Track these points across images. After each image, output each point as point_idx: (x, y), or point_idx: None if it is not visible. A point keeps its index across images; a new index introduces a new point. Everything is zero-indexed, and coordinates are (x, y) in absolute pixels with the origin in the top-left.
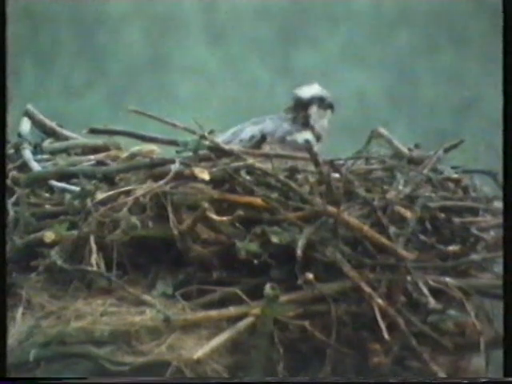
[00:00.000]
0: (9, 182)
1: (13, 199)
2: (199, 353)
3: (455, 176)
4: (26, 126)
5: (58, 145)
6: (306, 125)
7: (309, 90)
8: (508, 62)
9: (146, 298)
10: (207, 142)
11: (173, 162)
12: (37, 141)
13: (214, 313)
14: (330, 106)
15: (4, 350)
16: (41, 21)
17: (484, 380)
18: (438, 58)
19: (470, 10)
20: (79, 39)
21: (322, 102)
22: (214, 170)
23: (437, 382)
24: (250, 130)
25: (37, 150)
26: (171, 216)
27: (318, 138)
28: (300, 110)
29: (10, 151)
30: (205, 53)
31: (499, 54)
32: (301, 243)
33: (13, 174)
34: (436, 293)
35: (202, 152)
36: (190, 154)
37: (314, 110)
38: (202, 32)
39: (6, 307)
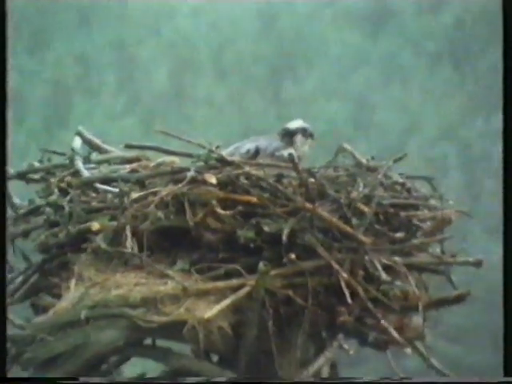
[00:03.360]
0: (64, 185)
1: (68, 198)
2: (209, 313)
3: (401, 180)
4: (77, 142)
5: (101, 157)
6: (290, 144)
7: (295, 123)
8: (508, 64)
9: (169, 272)
10: (215, 155)
11: (188, 170)
12: (86, 154)
13: (220, 283)
14: (311, 135)
15: (4, 349)
16: (90, 65)
17: (483, 380)
18: (389, 91)
19: (413, 52)
20: (119, 77)
21: (304, 132)
22: (220, 175)
23: (437, 382)
24: (247, 146)
25: (86, 160)
26: (188, 211)
27: (300, 159)
28: (288, 136)
29: (66, 161)
30: (214, 87)
31: (437, 87)
32: (286, 231)
33: (67, 179)
34: (386, 268)
35: (210, 162)
36: (202, 163)
37: (298, 138)
38: (212, 71)
39: (5, 307)
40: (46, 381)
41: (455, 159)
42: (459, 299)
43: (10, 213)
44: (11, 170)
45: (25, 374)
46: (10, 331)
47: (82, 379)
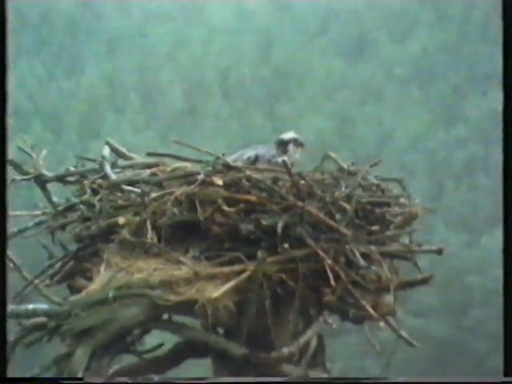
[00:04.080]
0: (95, 186)
1: (98, 197)
2: (216, 294)
3: (376, 182)
4: (106, 151)
5: (126, 163)
6: (284, 152)
7: (288, 135)
8: (508, 63)
9: (182, 259)
10: (221, 161)
11: (199, 173)
12: (113, 160)
13: (225, 269)
14: (301, 145)
15: (4, 350)
16: (117, 87)
17: (484, 380)
18: (366, 108)
19: (385, 76)
20: (141, 97)
21: (296, 142)
22: (225, 178)
23: (437, 382)
24: (248, 154)
25: (113, 166)
26: (198, 208)
27: (292, 164)
28: (282, 145)
29: (97, 167)
30: (220, 105)
31: (406, 105)
32: (280, 225)
33: (98, 181)
34: (364, 256)
35: (217, 167)
36: (210, 168)
37: (291, 147)
38: (218, 92)
39: (5, 308)
40: (48, 380)
41: (421, 165)
42: (424, 281)
43: (50, 209)
44: (49, 173)
45: (60, 347)
46: (50, 307)
47: (85, 379)
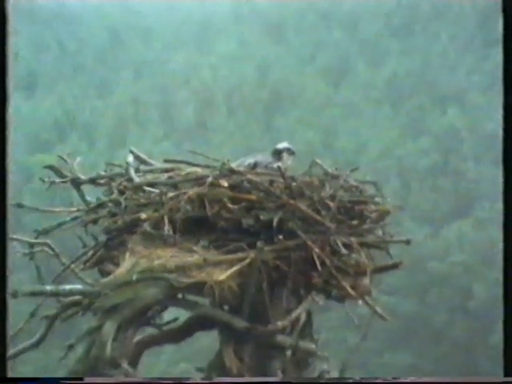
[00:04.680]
0: (121, 187)
1: (124, 196)
2: (222, 277)
3: (355, 184)
4: (131, 158)
5: (147, 168)
6: (279, 159)
7: (282, 145)
8: (508, 67)
9: (194, 248)
10: (226, 167)
11: (208, 176)
12: (136, 166)
13: (229, 256)
14: (293, 153)
15: (4, 350)
16: (140, 105)
17: (483, 380)
18: (347, 124)
19: (363, 96)
20: (160, 113)
21: (289, 151)
22: (230, 181)
23: (437, 382)
24: (249, 160)
25: (136, 171)
26: (207, 205)
27: (285, 169)
28: (277, 154)
29: (123, 171)
30: (226, 120)
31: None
32: (275, 219)
33: (124, 183)
34: (345, 245)
35: (223, 172)
36: (217, 172)
37: (284, 155)
38: (224, 109)
39: (6, 308)
40: (48, 381)
41: (392, 170)
42: (394, 266)
43: (83, 207)
44: (83, 177)
45: (92, 321)
46: (84, 288)
47: (86, 379)
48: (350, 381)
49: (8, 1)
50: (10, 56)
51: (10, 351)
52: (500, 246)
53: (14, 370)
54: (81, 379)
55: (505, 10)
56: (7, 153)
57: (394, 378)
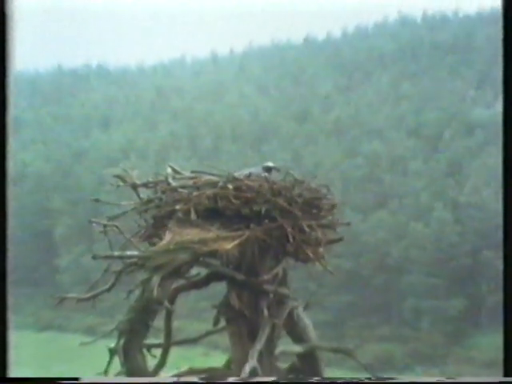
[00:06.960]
0: (163, 189)
1: (164, 195)
2: (228, 246)
3: (314, 186)
4: (169, 170)
5: (180, 176)
6: (266, 171)
7: (269, 163)
8: (508, 70)
9: (210, 228)
10: (231, 176)
11: (219, 182)
12: (173, 175)
13: (233, 233)
14: (278, 170)
15: (4, 350)
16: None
17: (483, 380)
18: (310, 148)
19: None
20: (189, 141)
21: (275, 168)
22: (234, 185)
23: (437, 382)
24: (246, 172)
25: (173, 178)
26: (219, 201)
27: (270, 177)
28: (265, 168)
29: (163, 178)
30: (230, 146)
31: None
32: (263, 209)
33: (165, 186)
34: (308, 226)
35: (229, 179)
36: (225, 179)
37: (272, 171)
38: (230, 139)
39: (6, 309)
40: (46, 381)
41: (338, 178)
42: (339, 240)
43: (138, 201)
44: (138, 182)
45: (144, 275)
46: (139, 253)
47: (82, 379)
48: (350, 381)
49: (8, 2)
50: (10, 61)
51: (91, 293)
52: (407, 226)
53: (94, 307)
54: (77, 379)
55: (505, 11)
56: (6, 157)
57: (392, 378)
